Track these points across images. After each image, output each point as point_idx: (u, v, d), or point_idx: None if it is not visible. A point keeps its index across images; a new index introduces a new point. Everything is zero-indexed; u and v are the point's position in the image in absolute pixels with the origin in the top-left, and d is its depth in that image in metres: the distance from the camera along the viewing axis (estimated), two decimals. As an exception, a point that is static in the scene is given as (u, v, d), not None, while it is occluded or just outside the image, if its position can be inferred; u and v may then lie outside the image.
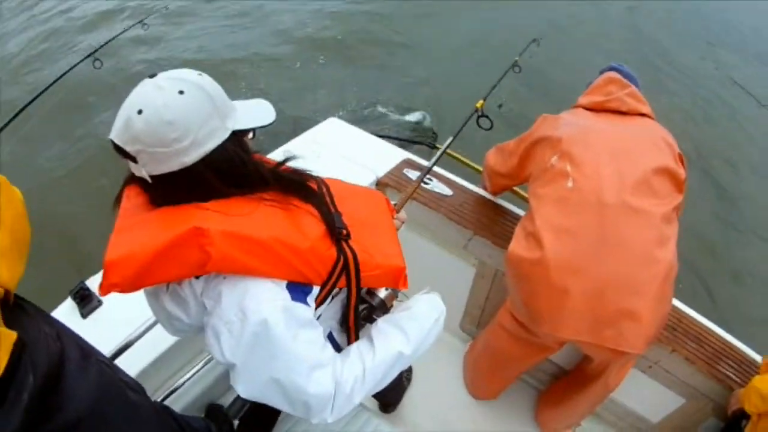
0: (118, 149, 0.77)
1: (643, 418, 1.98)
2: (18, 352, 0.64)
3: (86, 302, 1.44)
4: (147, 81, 0.77)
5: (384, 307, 1.13)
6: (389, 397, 1.94)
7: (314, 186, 0.97)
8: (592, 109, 1.63)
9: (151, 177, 0.78)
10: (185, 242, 0.75)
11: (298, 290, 0.85)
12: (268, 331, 0.80)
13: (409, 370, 2.10)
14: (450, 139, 1.74)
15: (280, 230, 0.83)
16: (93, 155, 4.04)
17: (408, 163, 2.03)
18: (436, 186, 1.93)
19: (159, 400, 1.44)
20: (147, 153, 0.75)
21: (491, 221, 1.82)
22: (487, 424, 2.05)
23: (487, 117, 1.87)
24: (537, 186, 1.54)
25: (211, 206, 0.79)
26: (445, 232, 1.87)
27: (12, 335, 0.63)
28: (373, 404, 1.98)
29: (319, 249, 0.87)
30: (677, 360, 1.67)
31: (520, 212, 1.90)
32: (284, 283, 0.84)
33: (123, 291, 0.76)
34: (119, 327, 1.33)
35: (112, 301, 1.43)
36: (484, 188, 1.96)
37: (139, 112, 0.73)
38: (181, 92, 0.76)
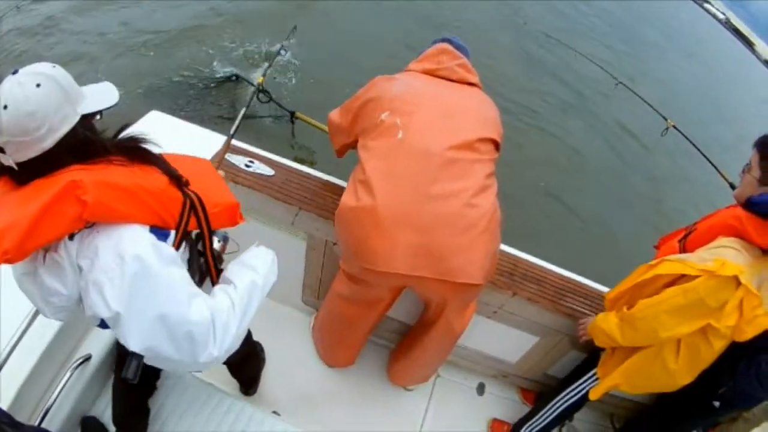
0: None
1: (502, 360, 2.16)
2: None
3: None
4: (10, 78, 0.87)
5: (220, 257, 1.28)
6: (248, 375, 1.98)
7: (149, 150, 1.09)
8: (423, 73, 1.74)
9: (17, 164, 0.88)
10: (63, 196, 0.85)
11: (159, 233, 0.98)
12: (145, 266, 0.91)
13: (261, 350, 2.14)
14: (241, 114, 1.92)
15: (136, 179, 0.96)
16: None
17: (229, 148, 2.02)
18: (258, 167, 1.96)
19: (36, 423, 1.40)
20: (13, 143, 0.86)
21: (315, 195, 1.91)
22: (346, 388, 2.17)
23: (266, 92, 2.06)
24: (367, 140, 1.63)
25: (75, 169, 0.90)
26: (272, 210, 1.92)
27: None
28: (235, 389, 2.00)
29: (169, 192, 1.02)
30: (520, 302, 1.82)
31: (341, 183, 2.01)
32: (147, 227, 0.96)
33: (13, 259, 0.83)
34: None
35: None
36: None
37: (5, 107, 0.84)
38: (38, 85, 0.87)
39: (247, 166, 1.95)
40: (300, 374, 2.16)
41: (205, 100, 4.83)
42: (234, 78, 5.06)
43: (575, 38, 8.75)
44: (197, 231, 1.11)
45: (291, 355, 2.20)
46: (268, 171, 1.96)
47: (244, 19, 6.22)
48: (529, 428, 2.00)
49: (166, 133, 2.16)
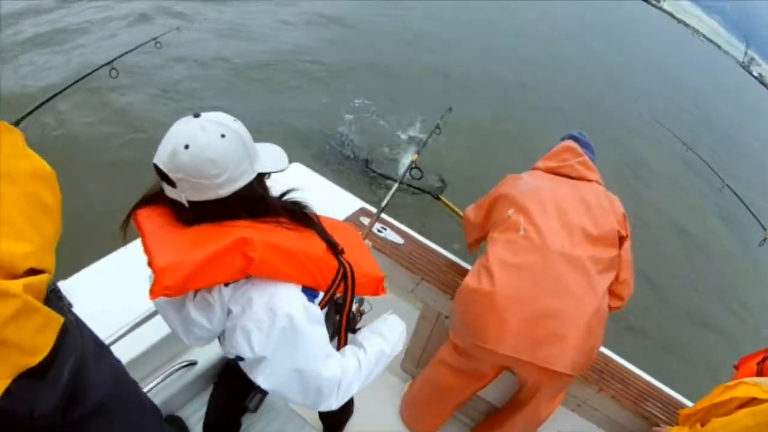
0: (161, 174, 0.92)
1: None
2: (62, 335, 0.71)
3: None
4: (191, 119, 0.92)
5: (355, 318, 1.38)
6: (336, 419, 2.05)
7: (311, 215, 1.17)
8: (547, 172, 1.92)
9: (188, 202, 0.93)
10: (232, 249, 0.91)
11: (309, 294, 1.04)
12: (293, 324, 0.97)
13: (350, 404, 2.22)
14: (393, 189, 2.05)
15: (300, 243, 1.03)
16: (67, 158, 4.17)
17: (363, 212, 2.23)
18: (389, 235, 2.13)
19: None
20: (188, 182, 0.90)
21: (437, 269, 2.04)
22: None
23: (418, 168, 2.27)
24: (495, 233, 1.81)
25: (243, 224, 0.96)
26: (395, 276, 2.05)
27: (60, 319, 0.71)
28: (319, 428, 2.06)
29: (326, 259, 1.08)
30: (604, 399, 1.86)
31: (464, 264, 2.13)
32: (300, 287, 1.02)
33: (171, 294, 0.88)
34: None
35: (82, 306, 1.51)
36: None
37: (186, 146, 0.88)
38: (222, 135, 0.91)
39: (379, 231, 2.14)
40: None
41: (343, 162, 5.27)
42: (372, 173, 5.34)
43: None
44: (341, 295, 1.17)
45: (377, 416, 2.25)
46: (398, 239, 2.12)
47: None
48: None
49: (303, 187, 2.46)
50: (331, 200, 2.02)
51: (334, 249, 1.11)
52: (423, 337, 2.17)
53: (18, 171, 0.68)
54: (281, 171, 1.06)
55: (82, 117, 4.91)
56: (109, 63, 2.76)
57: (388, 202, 1.96)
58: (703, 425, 1.48)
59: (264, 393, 1.10)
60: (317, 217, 1.19)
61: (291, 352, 1.00)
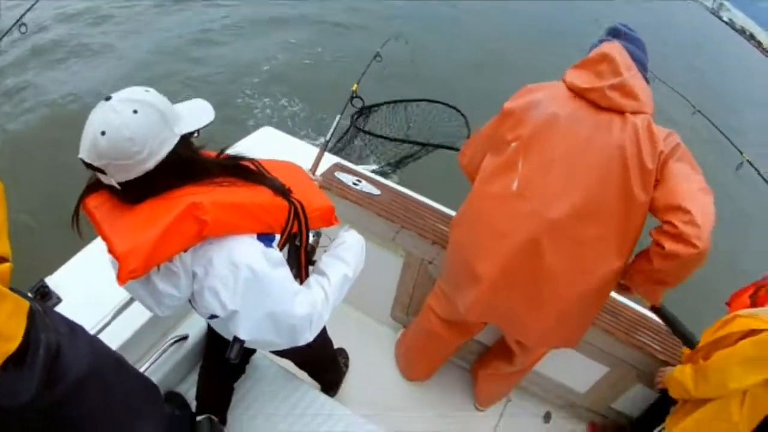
0: (88, 165, 0.92)
1: (570, 389, 2.20)
2: (30, 319, 0.73)
3: (46, 299, 1.50)
4: (103, 104, 0.91)
5: (314, 251, 1.37)
6: (329, 379, 2.08)
7: (250, 165, 1.18)
8: (572, 90, 1.43)
9: (119, 184, 0.93)
10: (184, 217, 0.92)
11: (266, 239, 1.07)
12: (256, 273, 1.00)
13: (346, 357, 2.26)
14: (337, 118, 2.08)
15: (247, 195, 1.05)
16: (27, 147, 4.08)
17: (338, 167, 2.21)
18: (365, 186, 2.12)
19: None
20: (113, 165, 0.90)
21: (416, 216, 2.04)
22: (419, 402, 2.24)
23: (359, 98, 2.28)
24: (488, 161, 1.54)
25: (187, 191, 0.96)
26: (374, 226, 2.05)
27: (26, 303, 0.73)
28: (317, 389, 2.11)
29: (275, 203, 1.10)
30: (596, 332, 1.87)
31: (441, 208, 2.14)
32: (255, 236, 1.05)
33: (137, 276, 0.90)
34: (79, 322, 1.40)
35: (71, 297, 1.51)
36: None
37: (102, 133, 0.88)
38: (135, 111, 0.90)
39: (355, 184, 2.12)
40: (379, 383, 2.26)
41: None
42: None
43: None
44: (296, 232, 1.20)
45: (373, 366, 2.31)
46: (374, 191, 2.11)
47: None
48: None
49: (274, 147, 2.44)
50: (302, 159, 1.99)
51: (281, 191, 1.14)
52: (409, 284, 2.20)
53: None
54: (206, 126, 1.04)
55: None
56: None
57: (332, 133, 2.02)
58: (705, 360, 1.52)
59: (242, 342, 1.12)
60: (258, 163, 1.20)
61: (260, 300, 1.03)
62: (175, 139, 0.96)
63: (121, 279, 0.89)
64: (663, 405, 1.77)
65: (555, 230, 1.40)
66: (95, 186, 1.00)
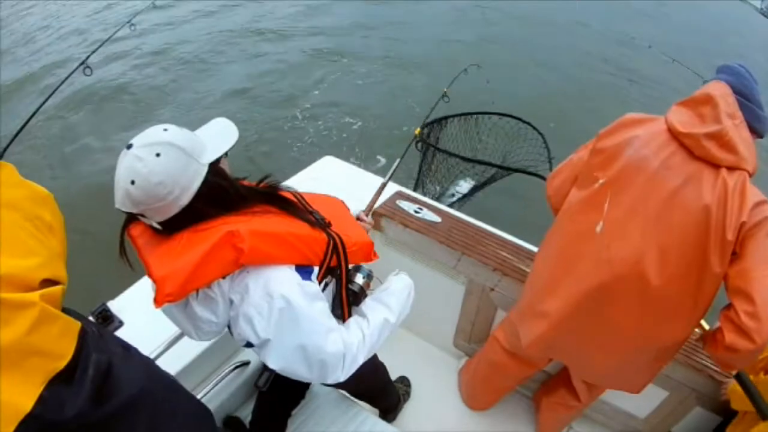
0: (127, 213, 0.98)
1: (631, 415, 2.10)
2: (82, 338, 0.79)
3: (108, 322, 1.53)
4: (126, 153, 0.93)
5: (363, 292, 1.35)
6: (385, 406, 2.08)
7: (290, 196, 1.19)
8: (671, 131, 1.29)
9: (160, 223, 0.98)
10: (221, 245, 0.95)
11: (303, 271, 1.08)
12: (290, 304, 1.01)
13: (408, 385, 2.26)
14: (396, 162, 2.03)
15: (285, 225, 1.07)
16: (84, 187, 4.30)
17: (400, 195, 2.26)
18: (426, 214, 2.15)
19: None
20: (150, 209, 0.95)
21: (477, 243, 2.04)
22: (481, 429, 2.19)
23: (424, 141, 2.16)
24: (576, 195, 1.46)
25: (224, 220, 0.99)
26: (436, 254, 2.07)
27: (78, 324, 0.80)
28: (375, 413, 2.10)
29: (314, 235, 1.11)
30: None
31: (502, 234, 2.12)
32: (293, 267, 1.06)
33: (174, 300, 0.94)
34: (141, 346, 1.48)
35: (133, 321, 1.56)
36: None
37: (132, 182, 0.91)
38: (157, 155, 0.92)
39: (416, 212, 2.16)
40: (440, 411, 2.23)
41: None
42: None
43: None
44: (335, 266, 1.19)
45: (434, 394, 2.28)
46: (435, 218, 2.14)
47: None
48: None
49: (338, 177, 2.52)
50: (363, 187, 2.05)
51: (320, 224, 1.15)
52: (471, 312, 2.18)
53: (17, 198, 0.78)
54: (232, 146, 1.06)
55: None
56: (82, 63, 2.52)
57: (393, 173, 1.97)
58: (766, 373, 1.50)
59: (272, 371, 1.16)
60: (299, 195, 1.22)
61: (292, 330, 1.03)
62: (204, 170, 0.98)
63: (158, 302, 0.93)
64: (723, 428, 1.71)
65: (627, 284, 1.32)
66: (134, 217, 1.04)
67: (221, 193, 1.02)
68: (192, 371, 1.63)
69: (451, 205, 2.64)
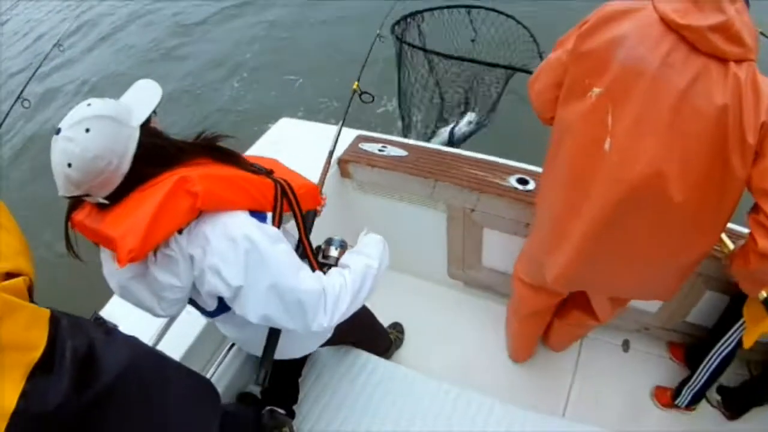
0: (71, 198, 0.96)
1: (642, 311, 2.10)
2: (54, 326, 0.77)
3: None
4: (56, 138, 0.91)
5: (337, 263, 1.31)
6: (383, 350, 2.08)
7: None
8: (666, 21, 1.11)
9: (106, 198, 0.95)
10: (175, 192, 0.92)
11: (259, 216, 1.06)
12: (254, 244, 0.99)
13: (401, 331, 2.27)
14: (340, 123, 1.91)
15: (230, 172, 1.06)
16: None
17: (361, 138, 2.19)
18: (391, 151, 2.09)
19: None
20: (93, 186, 0.92)
21: (448, 167, 1.99)
22: (490, 353, 2.21)
23: (367, 92, 1.91)
24: (573, 109, 1.27)
25: (165, 176, 0.96)
26: (410, 186, 2.03)
27: (46, 312, 0.77)
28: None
29: (260, 180, 1.10)
30: None
31: (472, 154, 2.07)
32: (247, 212, 1.03)
33: (136, 257, 0.89)
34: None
35: (127, 325, 1.54)
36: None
37: (69, 165, 0.89)
38: (87, 130, 0.90)
39: (381, 150, 2.10)
40: (445, 345, 2.23)
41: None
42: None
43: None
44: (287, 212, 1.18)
45: (436, 327, 2.28)
46: (401, 152, 2.08)
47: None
48: (690, 389, 1.90)
49: (298, 136, 2.41)
50: (325, 138, 1.98)
51: (263, 171, 1.13)
52: (458, 237, 2.16)
53: None
54: (158, 105, 1.03)
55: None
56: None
57: (335, 144, 1.87)
58: None
59: (268, 367, 1.19)
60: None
61: (262, 271, 1.01)
62: (137, 132, 0.96)
63: (121, 260, 0.88)
64: (737, 305, 1.65)
65: (646, 201, 1.22)
66: (77, 203, 1.02)
67: (159, 151, 1.00)
68: (194, 355, 1.59)
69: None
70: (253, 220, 1.03)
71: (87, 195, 0.94)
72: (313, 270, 1.22)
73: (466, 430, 1.66)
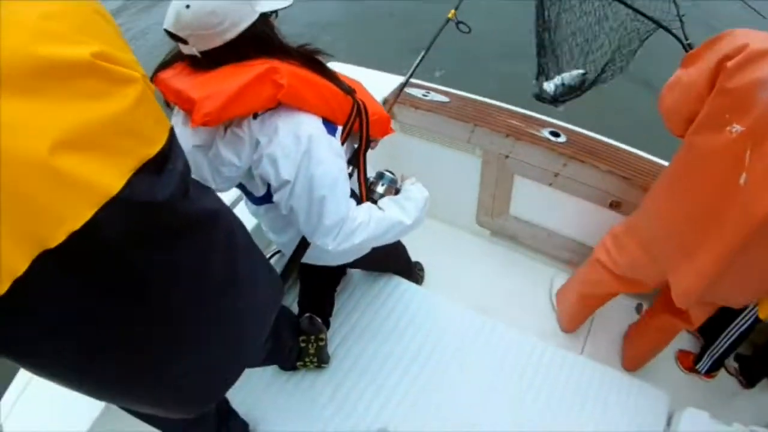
0: (172, 35, 1.01)
1: None
2: (172, 135, 0.75)
3: None
4: None
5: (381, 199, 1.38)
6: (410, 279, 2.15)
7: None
8: None
9: (201, 53, 1.02)
10: (263, 78, 1.00)
11: (330, 127, 1.12)
12: (315, 149, 1.06)
13: (421, 269, 2.34)
14: (423, 51, 1.92)
15: (318, 79, 1.11)
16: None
17: (411, 84, 2.30)
18: (434, 96, 2.21)
19: None
20: (195, 36, 0.99)
21: (487, 114, 2.11)
22: (508, 306, 2.27)
23: (463, 23, 1.92)
24: (709, 139, 1.30)
25: (263, 60, 1.02)
26: (449, 130, 2.15)
27: (168, 120, 0.75)
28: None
29: (341, 95, 1.16)
30: (577, 167, 1.94)
31: (511, 108, 2.17)
32: (321, 119, 1.10)
33: (210, 122, 0.97)
34: None
35: None
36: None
37: (187, 6, 0.95)
38: None
39: (424, 96, 2.22)
40: (467, 286, 2.30)
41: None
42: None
43: None
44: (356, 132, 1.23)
45: (462, 272, 2.37)
46: (443, 98, 2.20)
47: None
48: (710, 356, 1.97)
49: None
50: (372, 82, 2.09)
51: (347, 90, 1.18)
52: (490, 183, 2.26)
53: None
54: (285, 8, 1.09)
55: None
56: None
57: (420, 62, 1.92)
58: None
59: (293, 267, 1.32)
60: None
61: (310, 176, 1.08)
62: (255, 16, 1.01)
63: (195, 121, 0.95)
64: None
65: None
66: (170, 62, 1.09)
67: (265, 39, 1.06)
68: None
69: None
70: (324, 128, 1.09)
71: (184, 42, 1.00)
72: (360, 199, 1.29)
73: (488, 358, 1.80)
